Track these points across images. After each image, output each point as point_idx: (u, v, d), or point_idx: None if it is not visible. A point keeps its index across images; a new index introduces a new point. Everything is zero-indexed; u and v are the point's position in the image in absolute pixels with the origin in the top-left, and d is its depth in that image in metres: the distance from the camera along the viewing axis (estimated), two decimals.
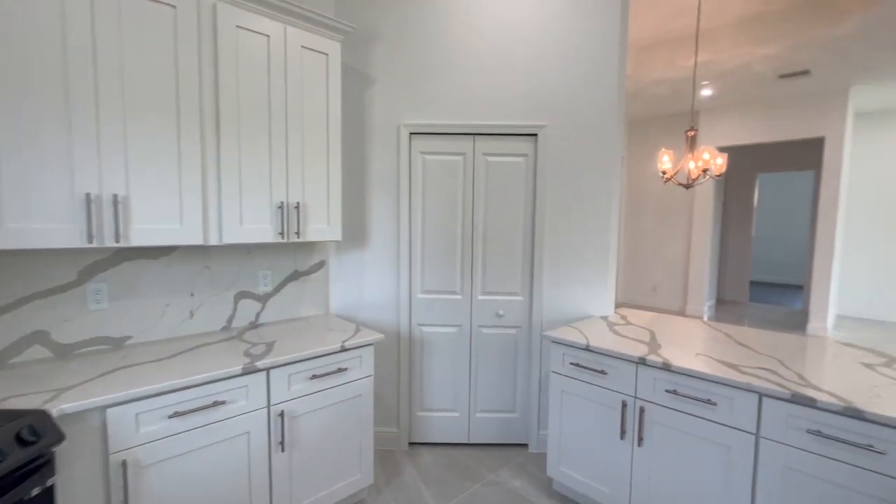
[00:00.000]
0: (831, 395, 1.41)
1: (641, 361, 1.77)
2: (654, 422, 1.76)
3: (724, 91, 5.44)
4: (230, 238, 1.81)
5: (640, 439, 1.80)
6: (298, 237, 2.02)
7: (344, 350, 1.91)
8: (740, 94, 5.52)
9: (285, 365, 1.73)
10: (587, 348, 1.95)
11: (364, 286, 2.54)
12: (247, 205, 1.86)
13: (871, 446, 1.30)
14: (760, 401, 1.51)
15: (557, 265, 2.52)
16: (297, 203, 2.01)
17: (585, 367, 1.96)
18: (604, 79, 2.44)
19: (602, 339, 2.02)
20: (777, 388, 1.47)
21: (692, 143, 3.79)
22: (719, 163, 3.73)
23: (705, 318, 6.40)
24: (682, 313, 6.63)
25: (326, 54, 2.08)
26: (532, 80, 2.44)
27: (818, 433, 1.38)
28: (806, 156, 7.04)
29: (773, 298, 8.16)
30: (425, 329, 2.59)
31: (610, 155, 2.48)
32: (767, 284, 9.67)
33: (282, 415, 1.71)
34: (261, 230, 1.90)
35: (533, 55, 2.43)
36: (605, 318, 2.48)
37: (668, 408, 1.72)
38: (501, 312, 2.57)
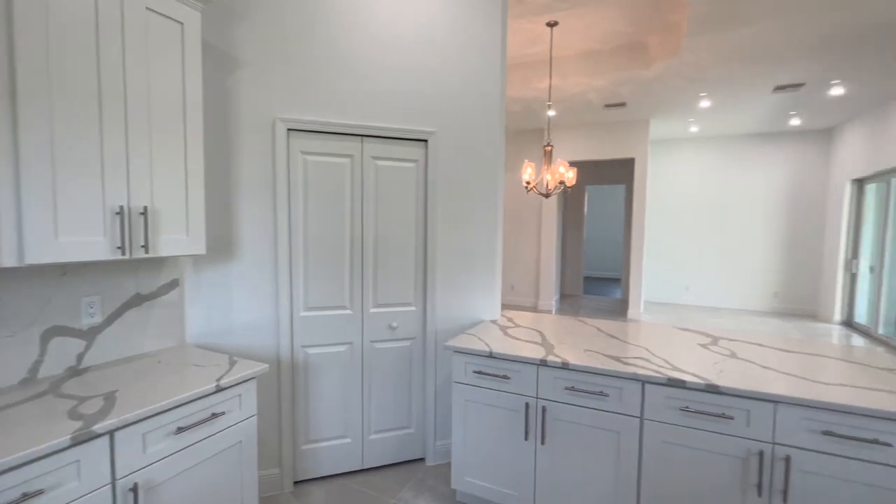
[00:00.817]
0: (694, 375, 1.67)
1: (543, 363, 1.86)
2: (556, 419, 1.86)
3: (564, 113, 6.26)
4: (39, 256, 1.30)
5: (543, 437, 1.88)
6: (147, 252, 1.57)
7: (220, 390, 1.55)
8: (576, 116, 6.44)
9: (138, 422, 1.31)
10: (491, 355, 1.97)
11: (233, 307, 2.13)
12: (67, 209, 1.36)
13: (724, 414, 1.58)
14: (643, 387, 1.71)
15: (450, 272, 2.52)
16: (144, 208, 1.56)
17: (489, 374, 1.98)
18: (489, 89, 2.53)
19: (500, 344, 2.07)
20: (655, 374, 1.68)
21: (549, 157, 4.25)
22: (570, 176, 4.25)
23: (554, 312, 7.28)
24: (535, 308, 7.42)
25: (181, 23, 1.67)
26: (424, 86, 2.39)
27: (686, 409, 1.63)
28: (621, 172, 8.57)
29: (600, 290, 9.74)
30: (311, 351, 2.31)
31: (494, 161, 2.58)
32: (595, 279, 11.51)
33: (135, 489, 1.29)
34: (90, 244, 1.42)
35: (424, 62, 2.38)
36: (494, 322, 2.56)
37: (567, 404, 1.84)
38: (395, 324, 2.45)
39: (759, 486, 1.53)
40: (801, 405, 1.48)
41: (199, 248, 1.77)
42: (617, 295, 9.11)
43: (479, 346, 2.01)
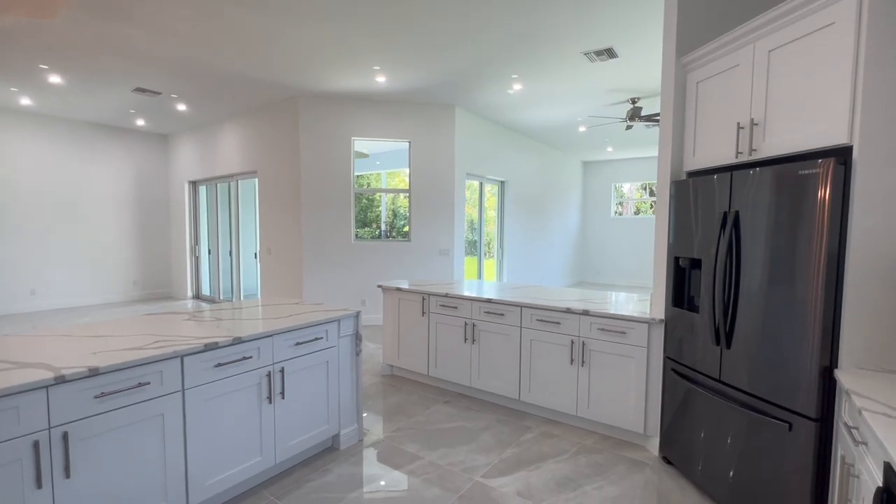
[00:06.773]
0: (215, 336, 2.01)
1: (61, 380, 1.49)
2: (83, 438, 1.56)
3: None
4: None
5: (67, 471, 1.52)
6: None
7: None
8: None
9: None
10: None
11: None
12: None
13: (244, 357, 2.07)
14: (182, 361, 1.84)
15: None
16: None
17: None
18: None
19: None
20: (190, 346, 1.87)
21: None
22: None
23: None
24: None
25: None
26: None
27: (220, 364, 1.97)
28: None
29: None
30: None
31: None
32: None
33: None
34: None
35: None
36: None
37: (98, 414, 1.60)
38: None
39: (270, 396, 2.18)
40: (285, 331, 2.25)
41: None
42: None
43: None
